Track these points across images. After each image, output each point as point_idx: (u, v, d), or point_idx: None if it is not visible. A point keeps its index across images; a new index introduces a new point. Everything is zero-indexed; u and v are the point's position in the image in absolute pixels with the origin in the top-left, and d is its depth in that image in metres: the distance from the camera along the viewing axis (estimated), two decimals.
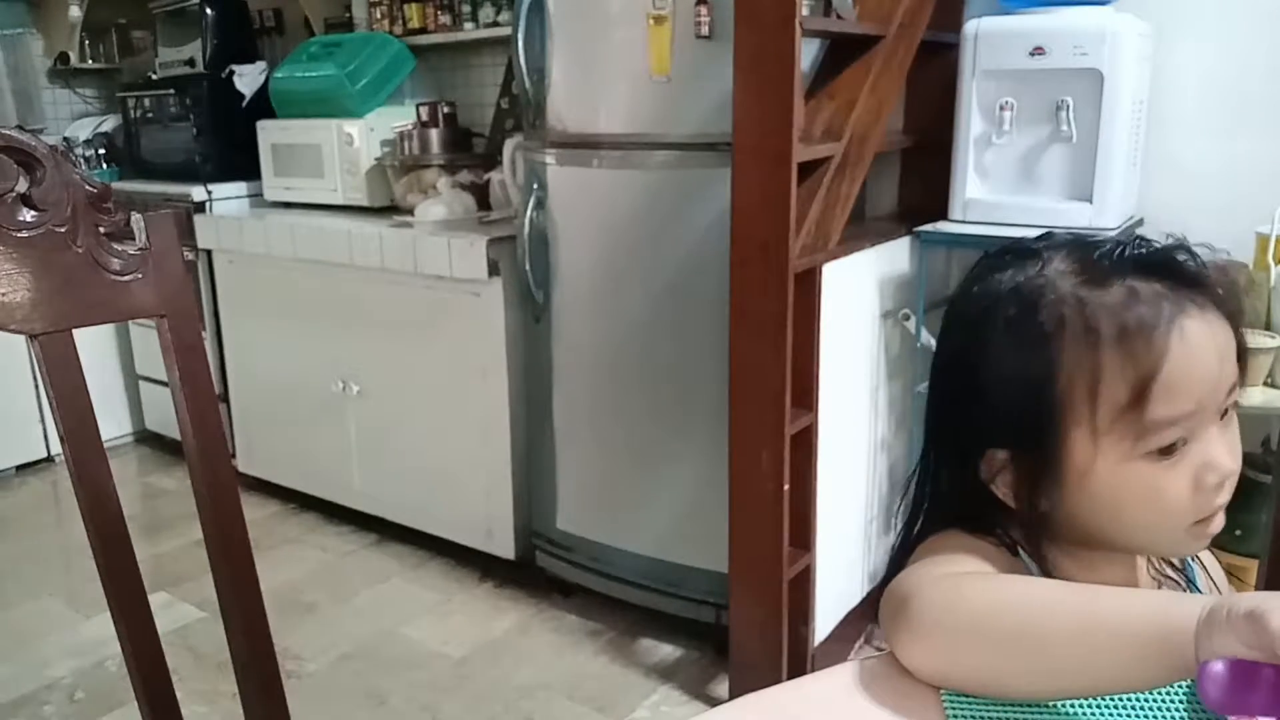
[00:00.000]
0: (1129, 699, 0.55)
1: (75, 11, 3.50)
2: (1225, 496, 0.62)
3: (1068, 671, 0.52)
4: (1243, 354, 0.63)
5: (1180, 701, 0.55)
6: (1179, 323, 0.59)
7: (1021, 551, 0.65)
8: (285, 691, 0.88)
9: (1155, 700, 0.55)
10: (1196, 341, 0.59)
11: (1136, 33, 1.77)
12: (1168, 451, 0.61)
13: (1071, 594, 0.55)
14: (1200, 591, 0.74)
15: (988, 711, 0.54)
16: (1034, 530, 0.65)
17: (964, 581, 0.58)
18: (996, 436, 0.64)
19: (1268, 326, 1.66)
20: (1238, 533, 1.61)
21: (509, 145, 2.48)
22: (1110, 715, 0.54)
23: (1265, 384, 1.59)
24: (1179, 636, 0.48)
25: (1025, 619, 0.53)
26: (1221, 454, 0.61)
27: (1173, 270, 0.61)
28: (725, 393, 1.73)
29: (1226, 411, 0.63)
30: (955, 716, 0.53)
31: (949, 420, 0.69)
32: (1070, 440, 0.61)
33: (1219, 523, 0.63)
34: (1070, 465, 0.62)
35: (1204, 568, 0.76)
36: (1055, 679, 0.53)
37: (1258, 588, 1.57)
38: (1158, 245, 0.63)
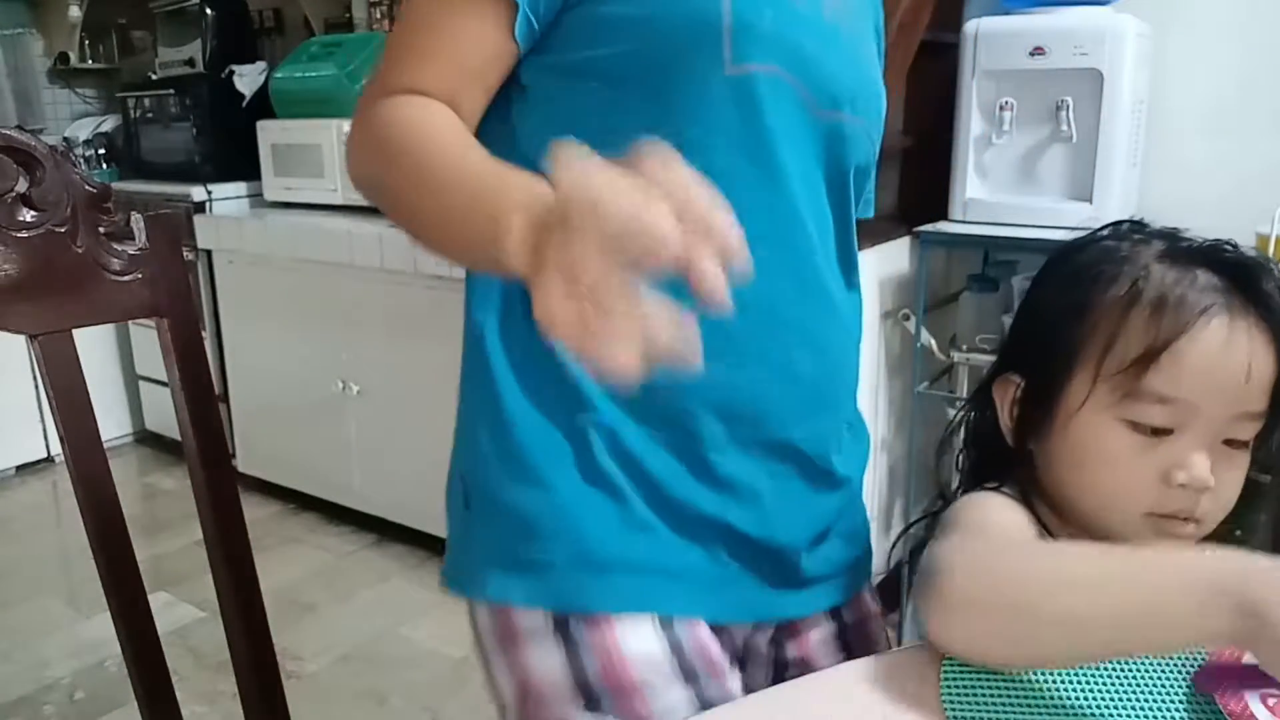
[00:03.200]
0: (1129, 699, 0.55)
1: (75, 11, 3.50)
2: (1190, 506, 0.62)
3: (1113, 641, 0.52)
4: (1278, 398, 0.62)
5: (1180, 701, 0.55)
6: (1216, 315, 0.60)
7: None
8: (285, 691, 0.88)
9: (1155, 700, 0.55)
10: (1222, 338, 0.60)
11: (1136, 33, 1.77)
12: (1151, 433, 0.61)
13: (1109, 561, 0.54)
14: None
15: (987, 711, 0.54)
16: (1026, 483, 0.67)
17: (1000, 556, 0.58)
18: (1019, 360, 0.68)
19: None
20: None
21: None
22: (1110, 715, 0.54)
23: None
24: (1229, 596, 0.47)
25: (1068, 596, 0.53)
26: (1201, 465, 0.61)
27: (1245, 278, 0.62)
28: None
29: (1234, 442, 0.62)
30: (955, 716, 0.54)
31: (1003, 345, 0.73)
32: (1073, 378, 0.63)
33: (1187, 533, 0.63)
34: (1064, 403, 0.64)
35: None
36: (1098, 648, 0.53)
37: None
38: (1248, 255, 0.64)
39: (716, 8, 0.64)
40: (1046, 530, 0.66)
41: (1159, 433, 0.61)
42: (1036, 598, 0.53)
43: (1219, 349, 0.60)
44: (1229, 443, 0.62)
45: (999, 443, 0.70)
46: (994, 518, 0.64)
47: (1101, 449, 0.62)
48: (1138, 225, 0.68)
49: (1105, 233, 0.68)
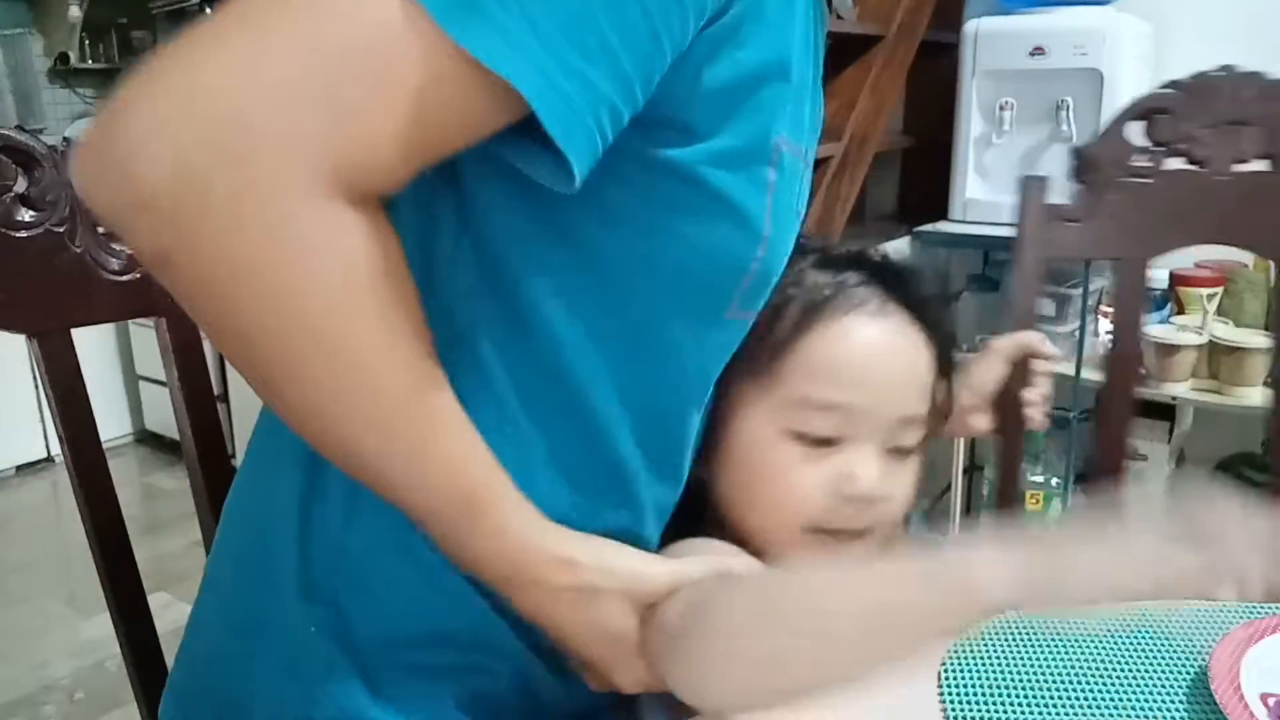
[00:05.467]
0: (1129, 699, 0.55)
1: (75, 11, 3.50)
2: (859, 518, 0.60)
3: (861, 661, 0.50)
4: (940, 406, 0.63)
5: (1180, 701, 0.55)
6: (865, 316, 0.60)
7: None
8: None
9: (1155, 700, 0.55)
10: (874, 340, 0.60)
11: (1136, 33, 1.77)
12: (815, 444, 0.59)
13: (852, 586, 0.51)
14: None
15: (987, 711, 0.54)
16: (710, 517, 0.64)
17: (730, 594, 0.53)
18: None
19: (1266, 327, 1.66)
20: None
21: None
22: (1110, 715, 0.54)
23: (1265, 384, 1.59)
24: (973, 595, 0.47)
25: (809, 627, 0.50)
26: (869, 473, 0.59)
27: (894, 280, 0.62)
28: None
29: (900, 450, 0.61)
30: (955, 716, 0.53)
31: None
32: (734, 396, 0.61)
33: (854, 550, 0.61)
34: (729, 421, 0.61)
35: None
36: (844, 671, 0.50)
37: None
38: (901, 264, 0.65)
39: (750, 255, 0.56)
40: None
41: (825, 443, 0.60)
42: (789, 639, 0.50)
43: (875, 348, 0.60)
44: (894, 451, 0.61)
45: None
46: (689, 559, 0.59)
47: (766, 462, 0.60)
48: (799, 241, 0.66)
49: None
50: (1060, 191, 0.89)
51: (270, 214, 0.41)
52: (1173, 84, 0.87)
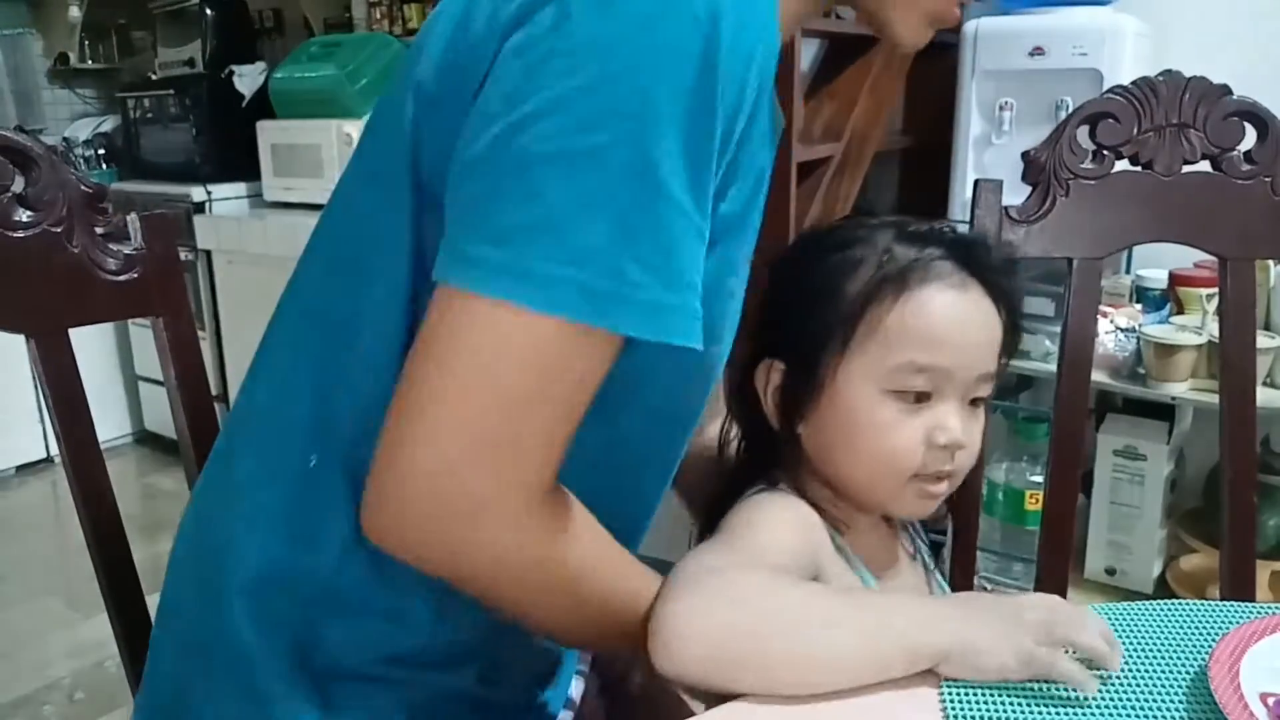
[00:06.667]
0: (1129, 699, 0.55)
1: (75, 11, 3.50)
2: (950, 465, 0.68)
3: (832, 680, 0.56)
4: (1008, 355, 0.71)
5: (1180, 701, 0.55)
6: (949, 288, 0.67)
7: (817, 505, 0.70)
8: None
9: (1155, 700, 0.55)
10: (958, 308, 0.67)
11: (1136, 33, 1.77)
12: (910, 399, 0.66)
13: (832, 606, 0.58)
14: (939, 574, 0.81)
15: (987, 711, 0.54)
16: (796, 468, 0.71)
17: (732, 590, 0.58)
18: (777, 345, 0.71)
19: (1267, 327, 1.66)
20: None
21: None
22: (1110, 715, 0.54)
23: (1265, 384, 1.59)
24: (923, 658, 0.56)
25: (771, 640, 0.56)
26: (955, 424, 0.67)
27: (969, 253, 0.69)
28: None
29: (977, 401, 0.69)
30: (954, 716, 0.53)
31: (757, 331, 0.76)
32: (835, 356, 0.67)
33: (941, 490, 0.69)
34: (828, 382, 0.68)
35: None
36: (818, 685, 0.56)
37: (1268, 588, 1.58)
38: (968, 234, 0.72)
39: (716, 370, 0.68)
40: (819, 509, 0.69)
41: (920, 398, 0.67)
42: (757, 638, 0.56)
43: (959, 315, 0.67)
44: (973, 402, 0.69)
45: (765, 429, 0.73)
46: (760, 534, 0.65)
47: (871, 419, 0.67)
48: (869, 213, 0.74)
49: (841, 221, 0.74)
50: (1014, 194, 0.92)
51: (510, 548, 0.55)
52: (1118, 89, 0.91)
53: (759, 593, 0.58)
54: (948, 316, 0.66)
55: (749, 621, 0.56)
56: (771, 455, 0.73)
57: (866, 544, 0.72)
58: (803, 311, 0.69)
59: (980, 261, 0.69)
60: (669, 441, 0.72)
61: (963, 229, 0.71)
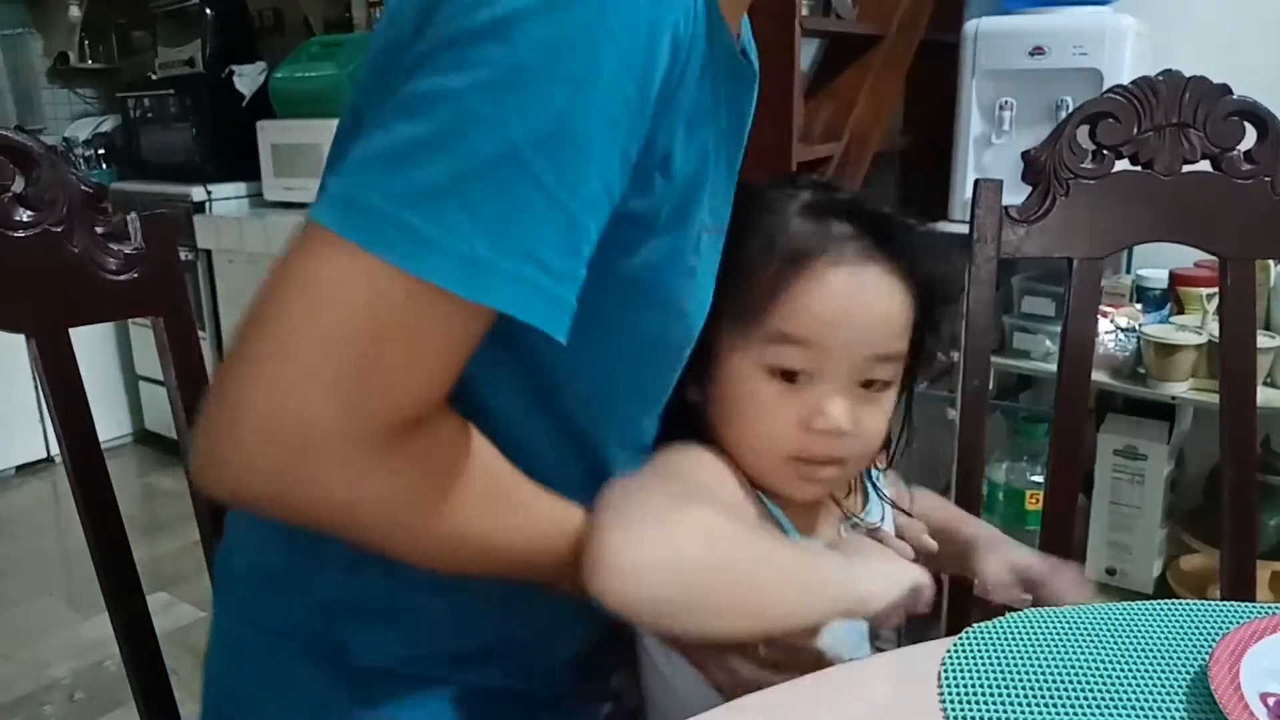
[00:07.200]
0: (1129, 699, 0.55)
1: (75, 11, 3.50)
2: (830, 450, 0.66)
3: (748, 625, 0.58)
4: (921, 341, 0.69)
5: (1180, 701, 0.55)
6: (843, 262, 0.64)
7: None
8: None
9: (1155, 700, 0.55)
10: (847, 284, 0.64)
11: (1136, 32, 1.77)
12: (789, 379, 0.65)
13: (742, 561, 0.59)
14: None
15: (987, 711, 0.54)
16: (702, 438, 0.70)
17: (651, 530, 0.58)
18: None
19: (1267, 326, 1.66)
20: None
21: None
22: (1110, 715, 0.54)
23: (1265, 384, 1.59)
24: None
25: (700, 582, 0.56)
26: (836, 410, 0.65)
27: (879, 229, 0.66)
28: None
29: (874, 383, 0.67)
30: (955, 716, 0.53)
31: None
32: (722, 326, 0.66)
33: (828, 475, 0.68)
34: (717, 352, 0.66)
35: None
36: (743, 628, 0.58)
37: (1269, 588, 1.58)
38: (886, 209, 0.69)
39: (682, 340, 0.65)
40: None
41: (796, 378, 0.65)
42: (695, 582, 0.56)
43: (844, 294, 0.64)
44: (869, 384, 0.67)
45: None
46: (690, 471, 0.66)
47: (750, 398, 0.66)
48: (793, 178, 0.72)
49: (767, 184, 0.71)
50: (1014, 194, 0.92)
51: (338, 485, 0.51)
52: (1118, 88, 0.91)
53: (699, 533, 0.58)
54: (828, 294, 0.64)
55: (690, 562, 0.56)
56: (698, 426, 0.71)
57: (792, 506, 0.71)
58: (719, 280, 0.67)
59: (890, 237, 0.66)
60: (633, 422, 0.68)
61: (875, 204, 0.69)
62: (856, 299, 0.65)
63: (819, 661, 0.62)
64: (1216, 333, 1.60)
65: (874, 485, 0.80)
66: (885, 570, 0.62)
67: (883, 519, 0.78)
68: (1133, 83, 0.91)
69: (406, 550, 0.57)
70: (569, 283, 0.50)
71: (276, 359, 0.48)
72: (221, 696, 0.71)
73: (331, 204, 0.48)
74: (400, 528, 0.55)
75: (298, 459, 0.49)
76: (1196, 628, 0.62)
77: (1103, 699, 0.55)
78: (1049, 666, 0.58)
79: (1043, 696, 0.55)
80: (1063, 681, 0.56)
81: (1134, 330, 1.69)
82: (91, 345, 3.10)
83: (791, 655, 0.62)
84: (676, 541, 0.56)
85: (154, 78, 3.25)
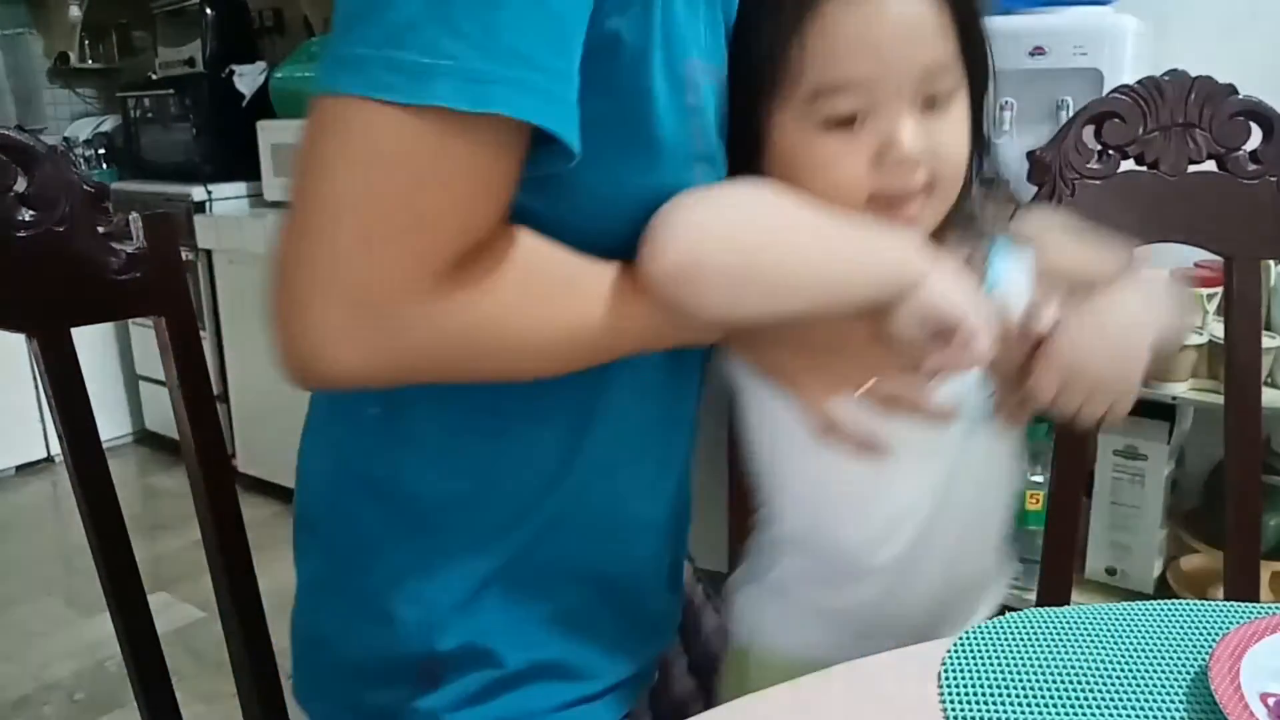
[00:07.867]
0: (1129, 698, 0.55)
1: (75, 11, 3.50)
2: (910, 179, 0.62)
3: (812, 301, 0.60)
4: (970, 37, 0.66)
5: (1180, 701, 0.55)
6: None
7: None
8: (285, 692, 0.88)
9: (1155, 700, 0.55)
10: (859, 9, 0.60)
11: (1136, 33, 1.77)
12: (846, 124, 0.61)
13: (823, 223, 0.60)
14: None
15: (987, 711, 0.54)
16: None
17: (721, 206, 0.60)
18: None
19: (1268, 327, 1.66)
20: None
21: None
22: (1110, 715, 0.54)
23: (1266, 384, 1.59)
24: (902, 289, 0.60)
25: (771, 240, 0.59)
26: (905, 134, 0.60)
27: None
28: None
29: (939, 97, 0.63)
30: (955, 716, 0.53)
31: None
32: (762, 106, 0.62)
33: (913, 212, 0.63)
34: (764, 135, 0.63)
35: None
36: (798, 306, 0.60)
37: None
38: None
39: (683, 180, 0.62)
40: None
41: (853, 122, 0.61)
42: (753, 247, 0.59)
43: (865, 16, 0.60)
44: (931, 102, 0.62)
45: None
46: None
47: (810, 160, 0.62)
48: None
49: None
50: (1019, 194, 0.92)
51: (422, 328, 0.53)
52: (1123, 88, 0.91)
53: (752, 197, 0.60)
54: (849, 23, 0.60)
55: (745, 218, 0.58)
56: None
57: None
58: (741, 51, 0.63)
59: None
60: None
61: None
62: (879, 15, 0.60)
63: (926, 410, 0.64)
64: (1217, 333, 1.61)
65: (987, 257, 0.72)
66: (951, 285, 0.61)
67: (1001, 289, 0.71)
68: (1138, 83, 0.90)
69: (525, 358, 0.59)
70: (565, 80, 0.51)
71: (330, 235, 0.50)
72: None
73: (325, 72, 0.49)
74: (509, 335, 0.57)
75: (381, 316, 0.51)
76: (1196, 628, 0.62)
77: (1103, 699, 0.55)
78: (1049, 666, 0.58)
79: (1043, 696, 0.55)
80: (1062, 681, 0.56)
81: None
82: (92, 345, 3.10)
83: (896, 397, 0.64)
84: (730, 201, 0.59)
85: (154, 77, 3.25)
